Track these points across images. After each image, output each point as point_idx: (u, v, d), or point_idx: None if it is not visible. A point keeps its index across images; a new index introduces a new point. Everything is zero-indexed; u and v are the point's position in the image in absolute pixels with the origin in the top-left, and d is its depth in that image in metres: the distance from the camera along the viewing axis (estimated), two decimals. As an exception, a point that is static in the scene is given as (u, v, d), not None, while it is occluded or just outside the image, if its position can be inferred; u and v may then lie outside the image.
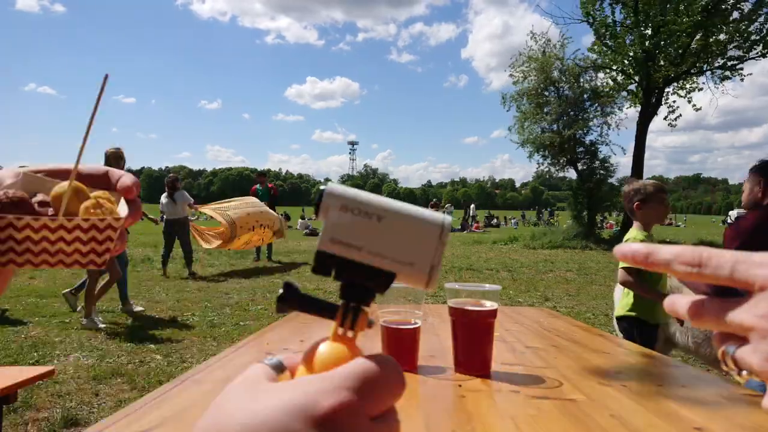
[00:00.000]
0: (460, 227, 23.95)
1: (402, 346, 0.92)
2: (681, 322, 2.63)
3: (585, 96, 15.72)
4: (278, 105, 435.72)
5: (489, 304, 0.90)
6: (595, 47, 15.65)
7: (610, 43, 15.40)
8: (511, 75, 16.06)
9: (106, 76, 0.34)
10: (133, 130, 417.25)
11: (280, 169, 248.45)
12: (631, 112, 17.03)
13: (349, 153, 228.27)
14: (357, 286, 0.27)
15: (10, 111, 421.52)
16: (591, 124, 15.57)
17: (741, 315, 0.27)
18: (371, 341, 1.13)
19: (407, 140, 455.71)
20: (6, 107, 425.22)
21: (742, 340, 0.28)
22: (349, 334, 0.27)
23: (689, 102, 15.44)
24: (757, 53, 14.12)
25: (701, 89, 15.47)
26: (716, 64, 14.91)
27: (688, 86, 15.45)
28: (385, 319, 0.92)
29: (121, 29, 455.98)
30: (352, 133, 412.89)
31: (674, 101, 15.48)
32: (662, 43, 14.41)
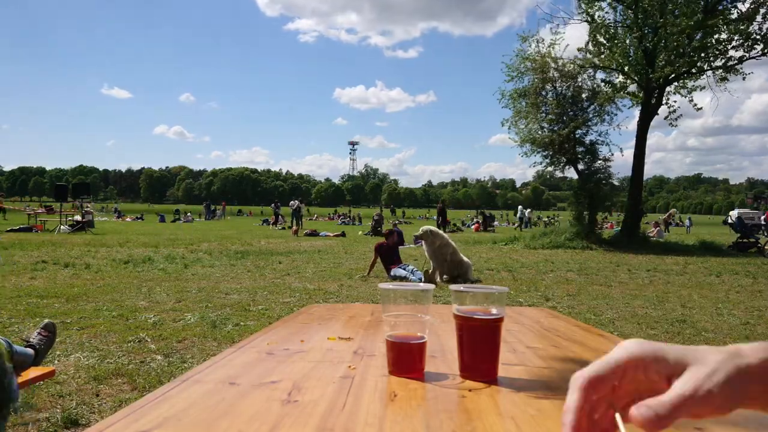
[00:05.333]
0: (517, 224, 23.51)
1: (410, 359, 0.90)
2: None
3: (584, 96, 15.70)
4: (334, 109, 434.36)
5: (496, 310, 0.87)
6: (591, 46, 15.61)
7: (608, 44, 15.38)
8: (507, 74, 16.00)
9: None
10: (192, 131, 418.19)
11: (280, 169, 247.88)
12: (632, 112, 17.09)
13: (350, 153, 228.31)
14: None
15: (82, 112, 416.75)
16: (590, 123, 15.56)
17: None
18: (376, 351, 1.13)
19: (442, 142, 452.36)
20: (83, 110, 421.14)
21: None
22: None
23: (690, 102, 15.42)
24: (758, 53, 14.11)
25: (704, 88, 15.43)
26: (716, 64, 14.90)
27: (689, 85, 15.41)
28: (390, 333, 0.89)
29: (206, 39, 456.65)
30: (395, 136, 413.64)
31: (675, 101, 15.46)
32: (661, 43, 14.40)
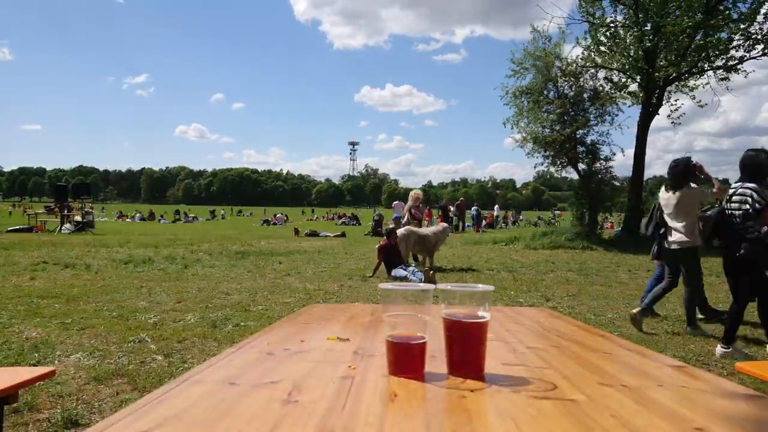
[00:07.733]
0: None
1: (410, 359, 0.90)
2: None
3: (586, 96, 15.68)
4: (359, 111, 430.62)
5: (482, 313, 0.89)
6: (591, 45, 15.61)
7: (609, 43, 15.38)
8: (512, 70, 15.96)
9: None
10: (215, 131, 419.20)
11: (281, 169, 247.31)
12: (633, 112, 17.08)
13: (350, 153, 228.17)
14: None
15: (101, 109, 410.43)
16: (591, 123, 15.55)
17: None
18: (379, 355, 1.13)
19: (458, 143, 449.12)
20: (112, 111, 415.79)
21: None
22: None
23: (693, 99, 15.37)
24: (758, 53, 14.12)
25: (708, 83, 15.35)
26: (717, 64, 14.88)
27: (691, 83, 15.39)
28: (391, 334, 0.89)
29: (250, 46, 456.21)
30: (416, 137, 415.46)
31: (677, 99, 15.43)
32: (662, 42, 14.39)
